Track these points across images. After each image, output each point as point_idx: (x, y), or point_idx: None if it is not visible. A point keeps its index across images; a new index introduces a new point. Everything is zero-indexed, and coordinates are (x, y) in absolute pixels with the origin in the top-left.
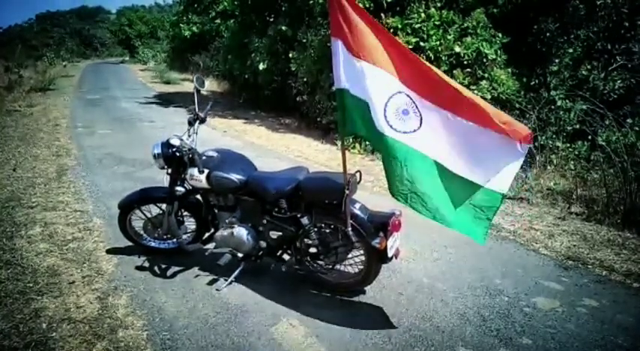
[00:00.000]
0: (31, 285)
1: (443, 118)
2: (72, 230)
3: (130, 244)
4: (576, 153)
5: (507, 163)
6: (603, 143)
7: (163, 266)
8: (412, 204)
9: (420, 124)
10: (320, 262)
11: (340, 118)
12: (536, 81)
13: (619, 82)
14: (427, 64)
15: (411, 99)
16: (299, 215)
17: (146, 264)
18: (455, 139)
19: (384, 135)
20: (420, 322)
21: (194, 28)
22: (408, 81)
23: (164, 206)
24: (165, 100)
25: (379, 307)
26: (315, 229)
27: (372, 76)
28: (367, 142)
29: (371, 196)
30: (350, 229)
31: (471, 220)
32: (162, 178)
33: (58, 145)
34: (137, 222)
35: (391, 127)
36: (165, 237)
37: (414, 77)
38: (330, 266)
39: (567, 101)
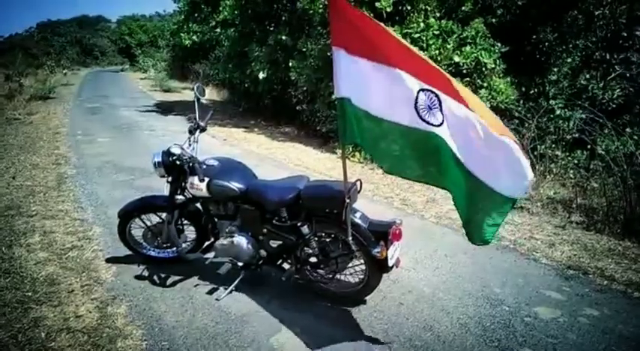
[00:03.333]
0: (29, 294)
1: (463, 113)
2: (71, 239)
3: (130, 253)
4: (576, 162)
5: (518, 168)
6: (603, 152)
7: (163, 275)
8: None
9: (443, 120)
10: (320, 272)
11: (341, 127)
12: (535, 90)
13: (618, 91)
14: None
15: (434, 94)
16: (299, 224)
17: (145, 273)
18: (471, 137)
19: (417, 128)
20: (421, 332)
21: (194, 37)
22: (427, 78)
23: (164, 215)
24: (165, 108)
25: (380, 317)
26: (316, 238)
27: (387, 75)
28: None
29: (371, 204)
30: (350, 238)
31: (480, 225)
32: (162, 187)
33: (57, 154)
34: (137, 231)
35: (424, 120)
36: (164, 246)
37: (431, 75)
38: (331, 275)
39: (566, 110)
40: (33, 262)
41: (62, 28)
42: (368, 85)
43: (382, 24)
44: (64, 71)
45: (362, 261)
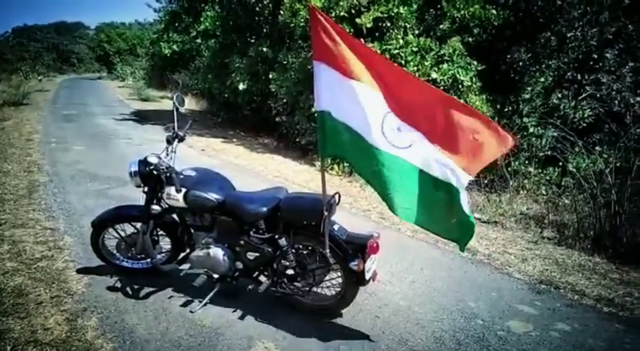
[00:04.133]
0: None
1: (417, 138)
2: (41, 248)
3: (102, 263)
4: (548, 178)
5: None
6: (574, 170)
7: (136, 287)
8: (411, 219)
9: (412, 142)
10: (297, 284)
11: (321, 140)
12: (510, 108)
13: (588, 110)
14: (411, 76)
15: (397, 118)
16: (277, 236)
17: (118, 284)
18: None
19: (381, 150)
20: (397, 346)
21: (174, 47)
22: (390, 101)
23: (139, 225)
24: (142, 117)
25: (356, 331)
26: (293, 251)
27: (364, 94)
28: (346, 164)
29: (349, 217)
30: (328, 250)
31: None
32: (138, 197)
33: (29, 161)
34: (110, 241)
35: (390, 143)
36: (139, 257)
37: (394, 97)
38: (307, 288)
39: (539, 128)
40: (0, 272)
41: (39, 34)
42: (347, 100)
43: (362, 41)
44: (39, 77)
45: (339, 274)
